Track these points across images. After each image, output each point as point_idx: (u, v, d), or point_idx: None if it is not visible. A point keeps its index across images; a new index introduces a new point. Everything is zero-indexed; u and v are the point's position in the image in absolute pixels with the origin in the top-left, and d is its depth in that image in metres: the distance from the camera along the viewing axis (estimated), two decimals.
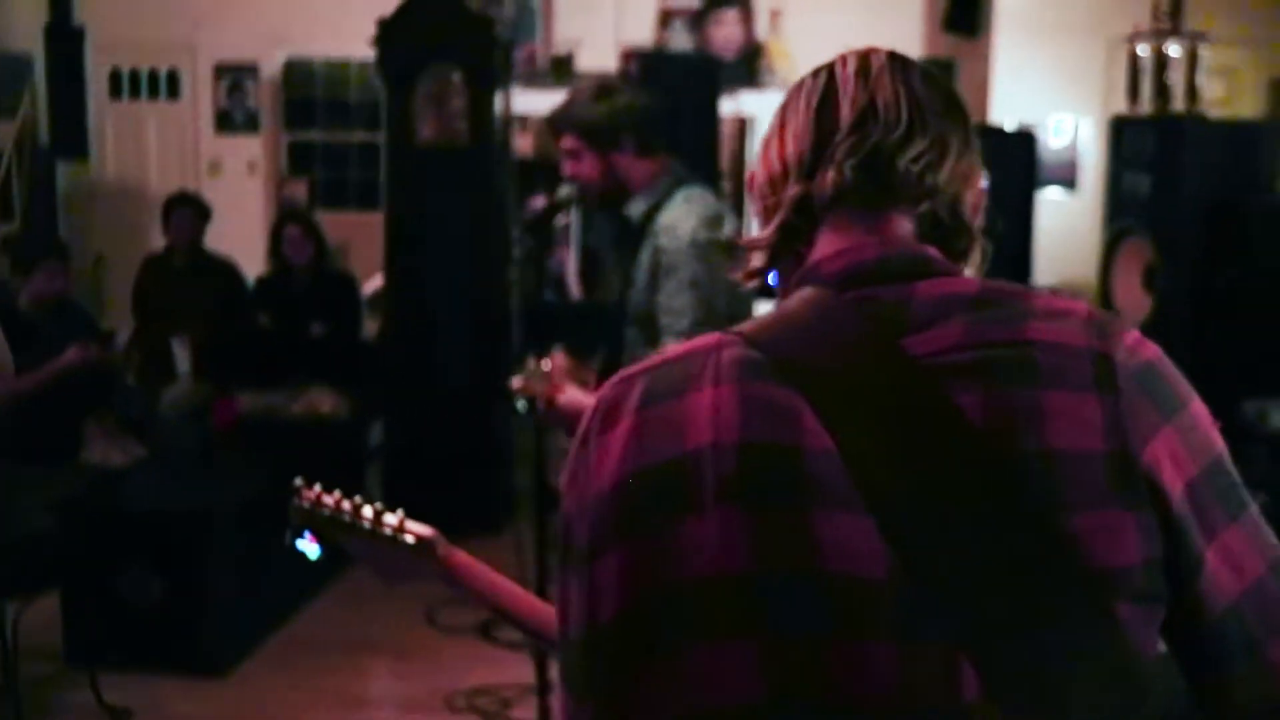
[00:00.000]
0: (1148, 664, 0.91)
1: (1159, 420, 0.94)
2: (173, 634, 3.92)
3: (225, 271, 5.84)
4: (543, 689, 2.87)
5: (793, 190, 1.07)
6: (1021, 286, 1.02)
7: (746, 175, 1.17)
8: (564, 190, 3.05)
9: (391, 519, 1.57)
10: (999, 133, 5.38)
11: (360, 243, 6.70)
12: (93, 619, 3.89)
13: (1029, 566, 0.90)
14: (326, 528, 1.58)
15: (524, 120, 6.62)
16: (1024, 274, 5.08)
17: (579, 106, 2.89)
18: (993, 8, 6.20)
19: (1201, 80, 4.40)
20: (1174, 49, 4.40)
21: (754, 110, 6.66)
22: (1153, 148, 4.32)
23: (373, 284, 5.94)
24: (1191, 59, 4.37)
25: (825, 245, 1.06)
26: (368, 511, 1.58)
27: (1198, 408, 0.97)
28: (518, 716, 3.68)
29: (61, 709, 3.72)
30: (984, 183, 1.11)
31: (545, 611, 1.50)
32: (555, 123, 2.93)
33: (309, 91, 7.41)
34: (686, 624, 0.93)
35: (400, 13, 5.25)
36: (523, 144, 6.80)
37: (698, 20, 6.83)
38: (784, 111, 1.11)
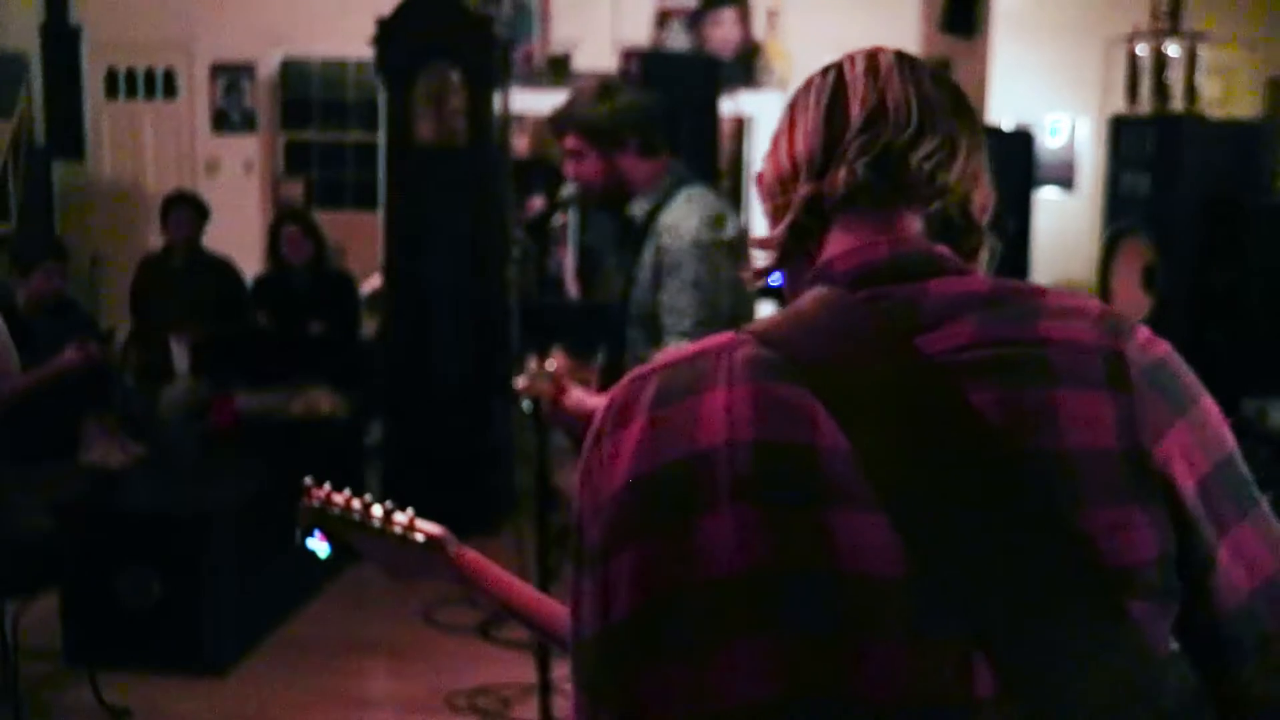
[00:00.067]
0: (1160, 660, 0.92)
1: (1171, 417, 0.94)
2: (172, 633, 3.91)
3: (224, 270, 5.84)
4: (544, 688, 2.87)
5: (803, 189, 1.07)
6: (1033, 285, 1.03)
7: (755, 174, 1.17)
8: (565, 190, 3.05)
9: (401, 517, 1.57)
10: (996, 132, 5.39)
11: (357, 242, 6.70)
12: (92, 619, 3.88)
13: (1043, 564, 0.90)
14: (336, 526, 1.58)
15: (521, 120, 6.62)
16: (1021, 274, 5.09)
17: (581, 106, 2.89)
18: (990, 8, 6.21)
19: (1200, 80, 4.41)
20: (1173, 49, 4.41)
21: (752, 110, 6.67)
22: (1152, 147, 4.33)
23: (370, 283, 5.94)
24: (1190, 59, 4.38)
25: (836, 244, 1.06)
26: (377, 510, 1.58)
27: (1209, 404, 0.98)
28: (518, 716, 3.69)
29: (61, 709, 3.71)
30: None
31: (554, 609, 1.50)
32: (557, 122, 2.92)
33: (306, 91, 7.41)
34: (701, 623, 0.93)
35: (399, 12, 5.25)
36: (519, 144, 6.81)
37: (695, 20, 6.84)
38: (792, 111, 1.11)
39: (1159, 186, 4.30)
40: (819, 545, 0.91)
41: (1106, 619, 0.90)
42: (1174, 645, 0.96)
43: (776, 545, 0.92)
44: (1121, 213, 4.50)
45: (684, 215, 2.82)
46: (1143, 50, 4.51)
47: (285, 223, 5.81)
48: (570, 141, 2.89)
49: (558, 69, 6.81)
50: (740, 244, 2.92)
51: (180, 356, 5.44)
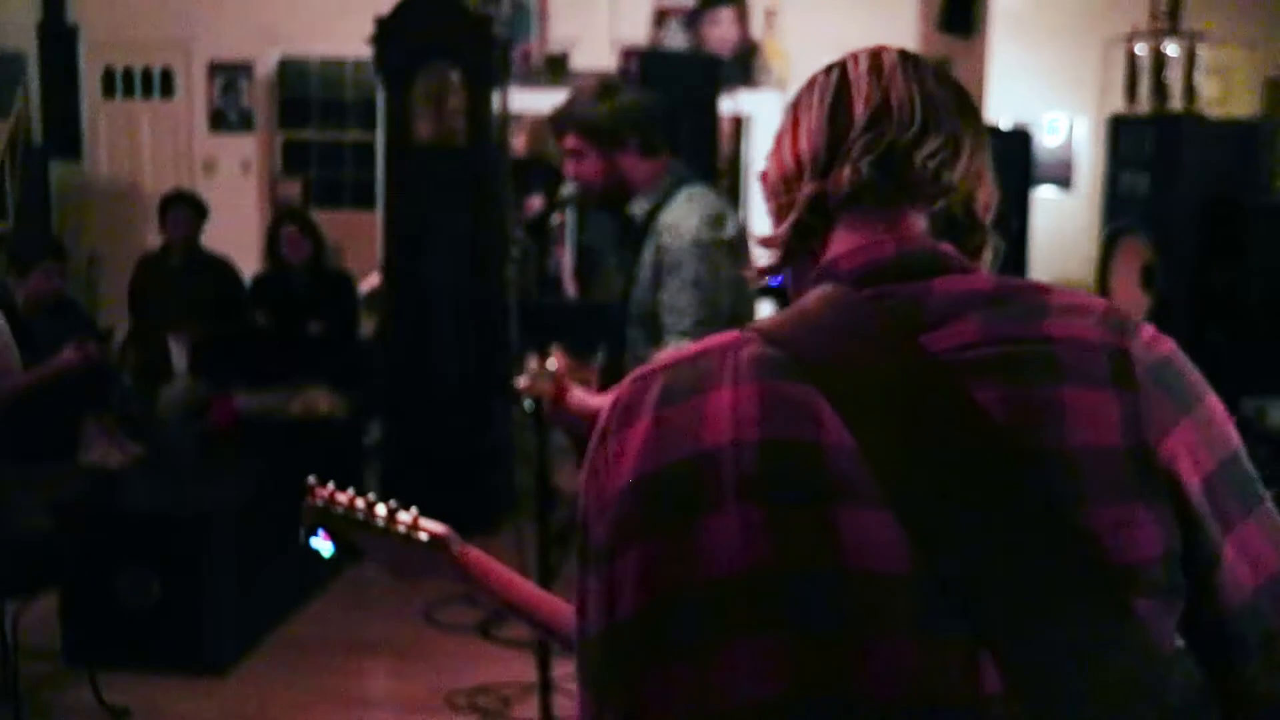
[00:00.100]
0: (1165, 658, 0.92)
1: (1176, 415, 0.94)
2: (172, 633, 3.91)
3: (222, 270, 5.84)
4: (545, 687, 2.87)
5: (807, 188, 1.07)
6: (1037, 282, 1.03)
7: (754, 174, 1.17)
8: (565, 190, 3.05)
9: (405, 516, 1.57)
10: (994, 132, 5.39)
11: (355, 242, 6.70)
12: (92, 619, 3.88)
13: (1048, 561, 0.90)
14: (340, 526, 1.58)
15: (518, 119, 6.62)
16: (1019, 273, 5.09)
17: (582, 106, 2.89)
18: (987, 8, 6.21)
19: (1198, 80, 4.41)
20: (1172, 48, 4.41)
21: (750, 109, 6.68)
22: (1151, 147, 4.34)
23: (369, 282, 5.94)
24: (1189, 58, 4.38)
25: (841, 243, 1.06)
26: (381, 509, 1.58)
27: (1213, 402, 0.98)
28: (518, 715, 3.69)
29: (61, 709, 3.71)
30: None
31: (558, 607, 1.50)
32: (558, 122, 2.92)
33: (304, 91, 7.40)
34: (707, 622, 0.93)
35: (398, 11, 5.25)
36: (517, 143, 6.81)
37: (693, 19, 6.84)
38: (796, 109, 1.11)
39: (1158, 186, 4.31)
40: (824, 543, 0.91)
41: (1112, 616, 0.90)
42: (1179, 643, 0.96)
43: (781, 544, 0.92)
44: (1120, 212, 4.51)
45: (684, 214, 2.82)
46: (1142, 50, 4.51)
47: (284, 222, 5.81)
48: (570, 141, 2.89)
49: (556, 68, 6.82)
50: (740, 243, 2.92)
51: (179, 356, 5.44)
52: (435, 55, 5.25)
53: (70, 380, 4.22)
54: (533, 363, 2.61)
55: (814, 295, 1.04)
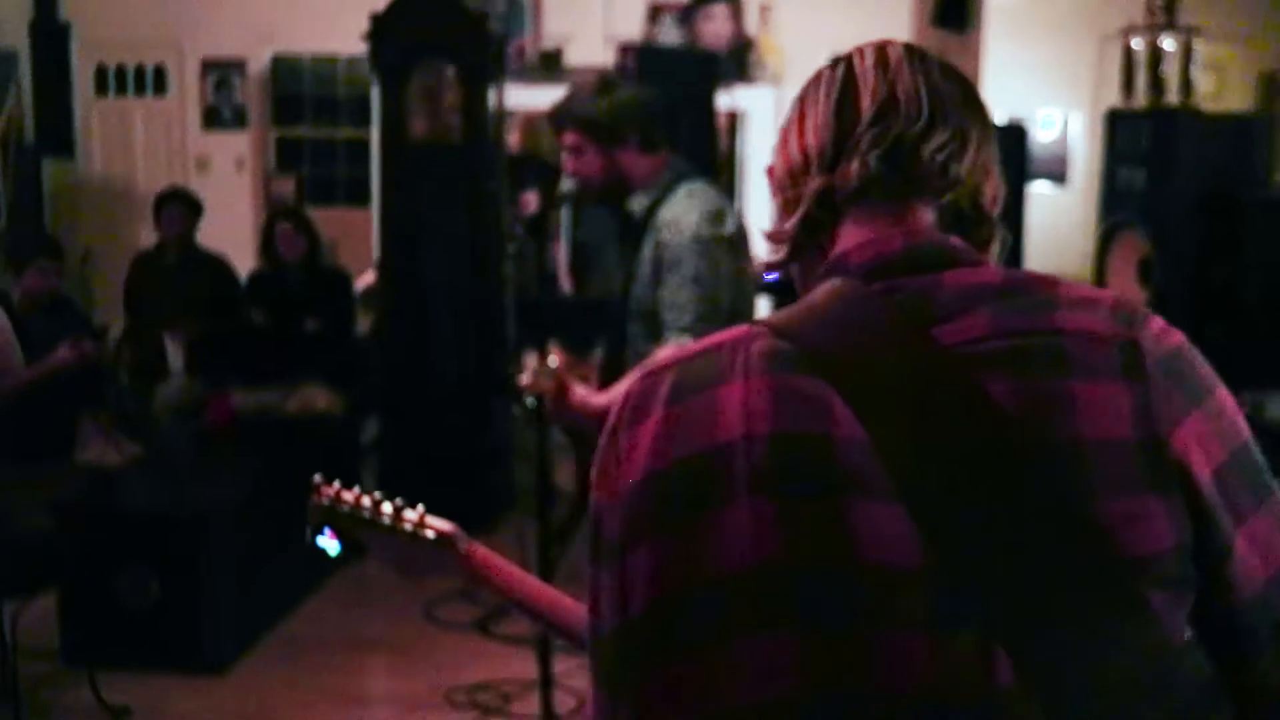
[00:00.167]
0: (1177, 649, 0.92)
1: (1187, 407, 0.95)
2: (171, 633, 3.90)
3: (217, 268, 5.83)
4: (546, 683, 2.87)
5: (815, 183, 1.07)
6: (1046, 275, 1.03)
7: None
8: (564, 186, 3.05)
9: (411, 514, 1.57)
10: None
11: (349, 239, 6.69)
12: (91, 618, 3.87)
13: (1061, 554, 0.90)
14: (346, 524, 1.58)
15: (512, 115, 6.61)
16: (1014, 268, 5.09)
17: (581, 102, 2.89)
18: (982, 3, 6.22)
19: (1195, 74, 4.42)
20: (1168, 43, 4.42)
21: (745, 105, 6.67)
22: (1147, 141, 4.34)
23: (364, 280, 5.93)
24: (1186, 53, 4.39)
25: (850, 237, 1.06)
26: (387, 507, 1.58)
27: (1223, 394, 0.98)
28: (519, 711, 3.69)
29: (60, 709, 3.70)
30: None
31: (566, 604, 1.50)
32: (557, 118, 2.92)
33: (297, 87, 7.39)
34: (720, 617, 0.93)
35: (393, 8, 5.23)
36: (511, 139, 6.80)
37: (687, 15, 6.84)
38: (802, 104, 1.11)
39: (1155, 180, 4.32)
40: (836, 536, 0.91)
41: (1124, 608, 0.90)
42: (1188, 635, 0.96)
43: (793, 538, 0.92)
44: (1117, 207, 4.52)
45: (684, 210, 2.82)
46: (1138, 44, 4.52)
47: (279, 219, 5.80)
48: (570, 137, 2.89)
49: (550, 64, 6.81)
50: (740, 239, 2.92)
51: (174, 354, 5.43)
52: (431, 52, 5.24)
53: (66, 379, 4.20)
54: (534, 360, 2.61)
55: (823, 289, 1.04)
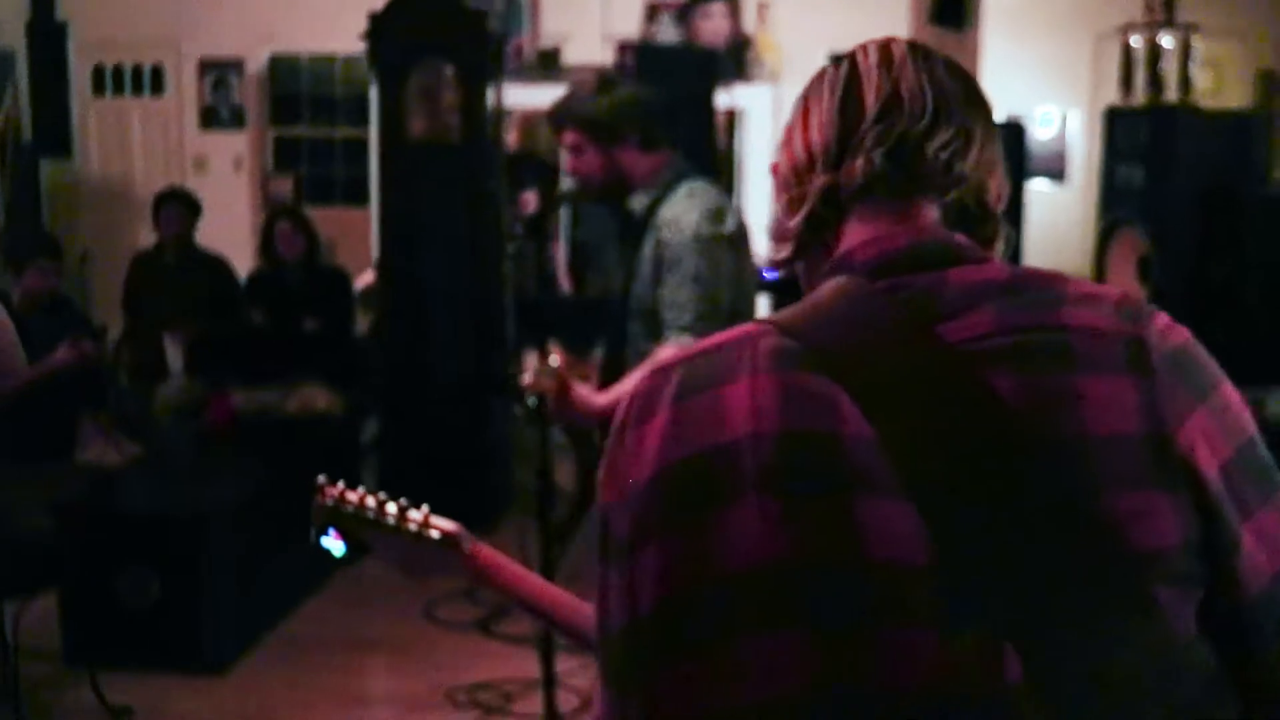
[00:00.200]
0: (1184, 646, 0.92)
1: (1193, 402, 0.95)
2: (171, 633, 3.90)
3: (216, 267, 5.83)
4: (549, 682, 2.87)
5: (819, 180, 1.07)
6: (1051, 272, 1.03)
7: (769, 165, 1.17)
8: (564, 185, 3.05)
9: (416, 515, 1.57)
10: None
11: (347, 238, 6.69)
12: (91, 619, 3.87)
13: (1068, 550, 0.90)
14: (351, 525, 1.58)
15: (510, 114, 6.61)
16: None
17: (580, 101, 2.89)
18: (979, 1, 6.22)
19: (1194, 71, 4.42)
20: (1167, 40, 4.42)
21: (743, 103, 6.67)
22: (1146, 138, 4.34)
23: (363, 279, 5.93)
24: (1184, 50, 4.39)
25: (855, 235, 1.06)
26: (392, 508, 1.58)
27: (1229, 390, 0.99)
28: (521, 711, 3.69)
29: (61, 709, 3.70)
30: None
31: (571, 603, 1.50)
32: (557, 117, 2.92)
33: (294, 87, 7.39)
34: (728, 615, 0.93)
35: (392, 7, 5.23)
36: (509, 138, 6.80)
37: (685, 13, 6.84)
38: (806, 102, 1.11)
39: (1154, 178, 4.32)
40: (844, 534, 0.91)
41: (1131, 605, 0.90)
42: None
43: (800, 535, 0.92)
44: (1117, 204, 4.52)
45: (684, 209, 2.82)
46: (1137, 42, 4.52)
47: (278, 219, 5.80)
48: (569, 136, 2.89)
49: (547, 63, 6.80)
50: (741, 238, 2.92)
51: (174, 354, 5.43)
52: (430, 51, 5.23)
53: (66, 379, 4.20)
54: (535, 360, 2.61)
55: (829, 287, 1.04)
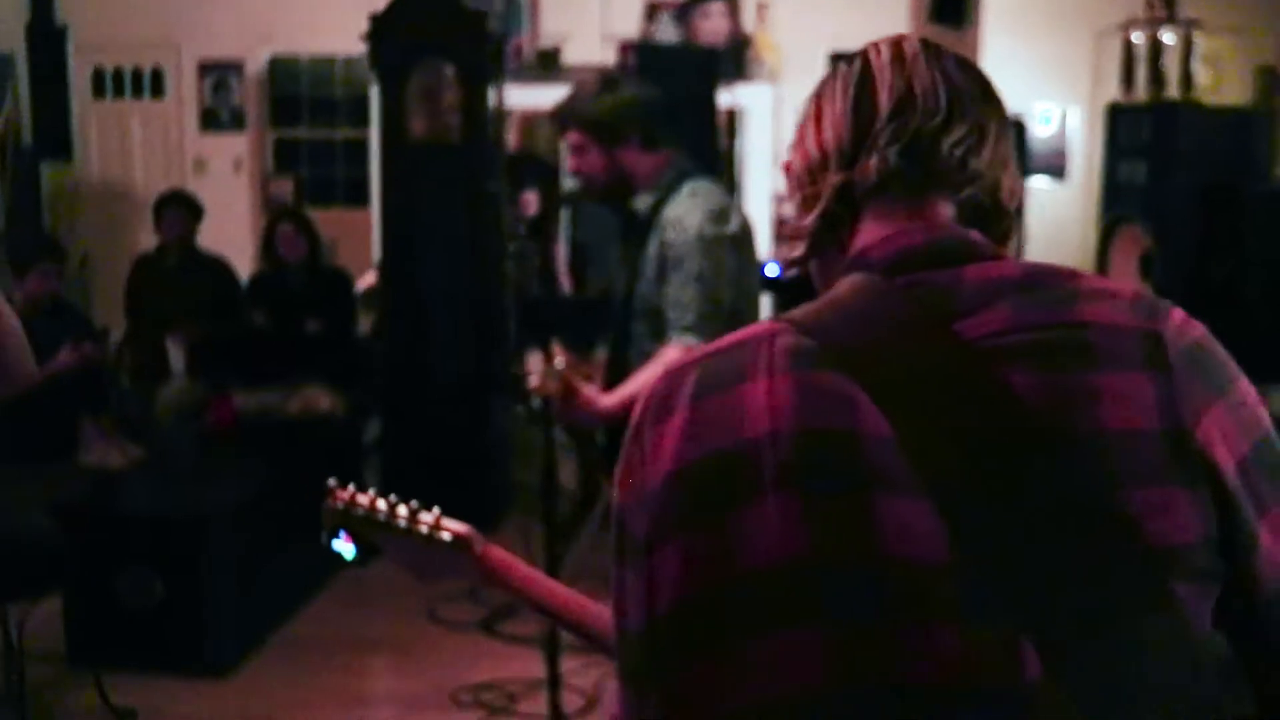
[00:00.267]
0: (1202, 641, 0.92)
1: (1210, 397, 0.95)
2: (174, 634, 3.90)
3: (218, 270, 5.82)
4: (554, 682, 2.87)
5: (834, 178, 1.07)
6: (1066, 268, 1.03)
7: (782, 164, 1.17)
8: (567, 185, 3.05)
9: (427, 517, 1.56)
10: None
11: (348, 239, 6.69)
12: (94, 621, 3.87)
13: (1087, 546, 0.90)
14: (361, 527, 1.57)
15: (510, 114, 6.61)
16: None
17: (583, 101, 2.89)
18: None
19: (1195, 68, 4.42)
20: (1168, 36, 4.42)
21: (743, 102, 6.67)
22: (1148, 135, 4.34)
23: (365, 280, 5.93)
24: (1186, 46, 4.39)
25: (870, 232, 1.06)
26: (403, 510, 1.57)
27: (1245, 385, 0.98)
28: (525, 711, 3.68)
29: (65, 711, 3.70)
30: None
31: (584, 604, 1.49)
32: (560, 117, 2.92)
33: (294, 89, 7.39)
34: (747, 613, 0.93)
35: (392, 8, 5.23)
36: (509, 138, 6.80)
37: (684, 13, 6.83)
38: (819, 100, 1.11)
39: (1155, 174, 4.32)
40: (863, 532, 0.91)
41: (1150, 600, 0.90)
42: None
43: (819, 533, 0.92)
44: (1118, 201, 4.52)
45: (688, 209, 2.82)
46: (1138, 38, 4.52)
47: (280, 221, 5.79)
48: (573, 136, 2.89)
49: (547, 63, 6.80)
50: (744, 237, 2.92)
51: (176, 356, 5.43)
52: (430, 52, 5.23)
53: (67, 381, 4.20)
54: (540, 361, 2.61)
55: (845, 285, 1.04)
